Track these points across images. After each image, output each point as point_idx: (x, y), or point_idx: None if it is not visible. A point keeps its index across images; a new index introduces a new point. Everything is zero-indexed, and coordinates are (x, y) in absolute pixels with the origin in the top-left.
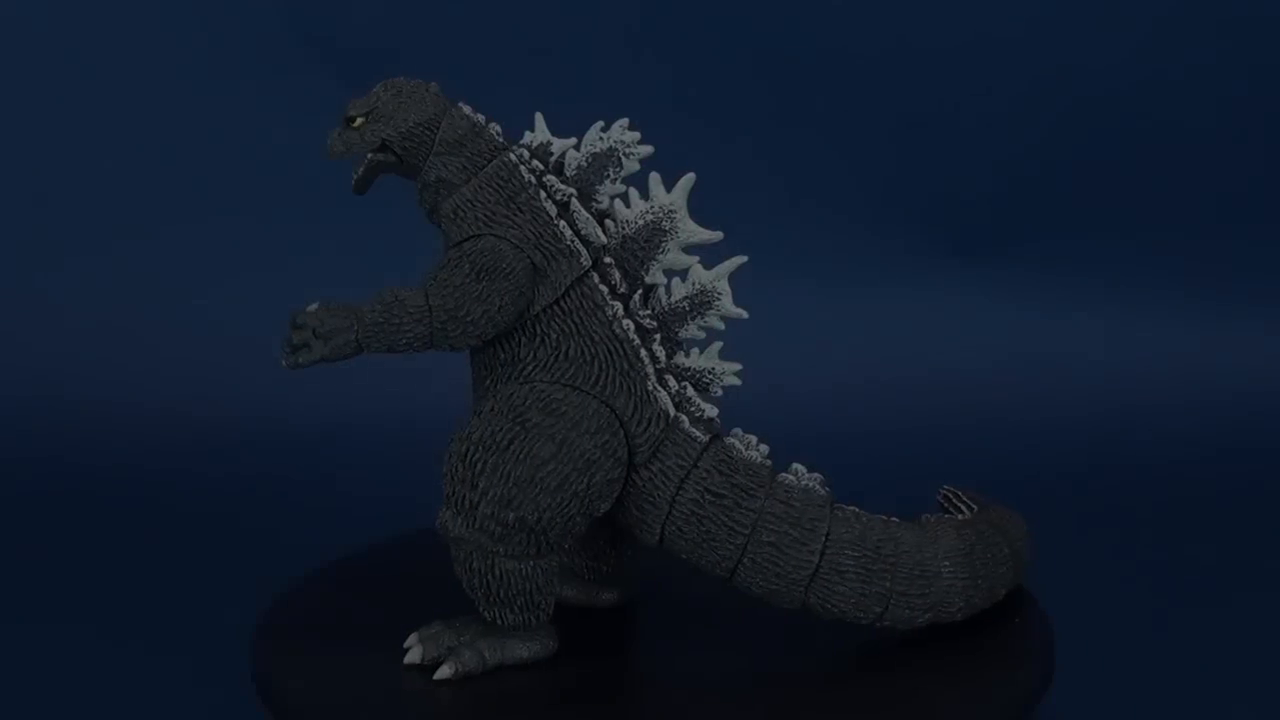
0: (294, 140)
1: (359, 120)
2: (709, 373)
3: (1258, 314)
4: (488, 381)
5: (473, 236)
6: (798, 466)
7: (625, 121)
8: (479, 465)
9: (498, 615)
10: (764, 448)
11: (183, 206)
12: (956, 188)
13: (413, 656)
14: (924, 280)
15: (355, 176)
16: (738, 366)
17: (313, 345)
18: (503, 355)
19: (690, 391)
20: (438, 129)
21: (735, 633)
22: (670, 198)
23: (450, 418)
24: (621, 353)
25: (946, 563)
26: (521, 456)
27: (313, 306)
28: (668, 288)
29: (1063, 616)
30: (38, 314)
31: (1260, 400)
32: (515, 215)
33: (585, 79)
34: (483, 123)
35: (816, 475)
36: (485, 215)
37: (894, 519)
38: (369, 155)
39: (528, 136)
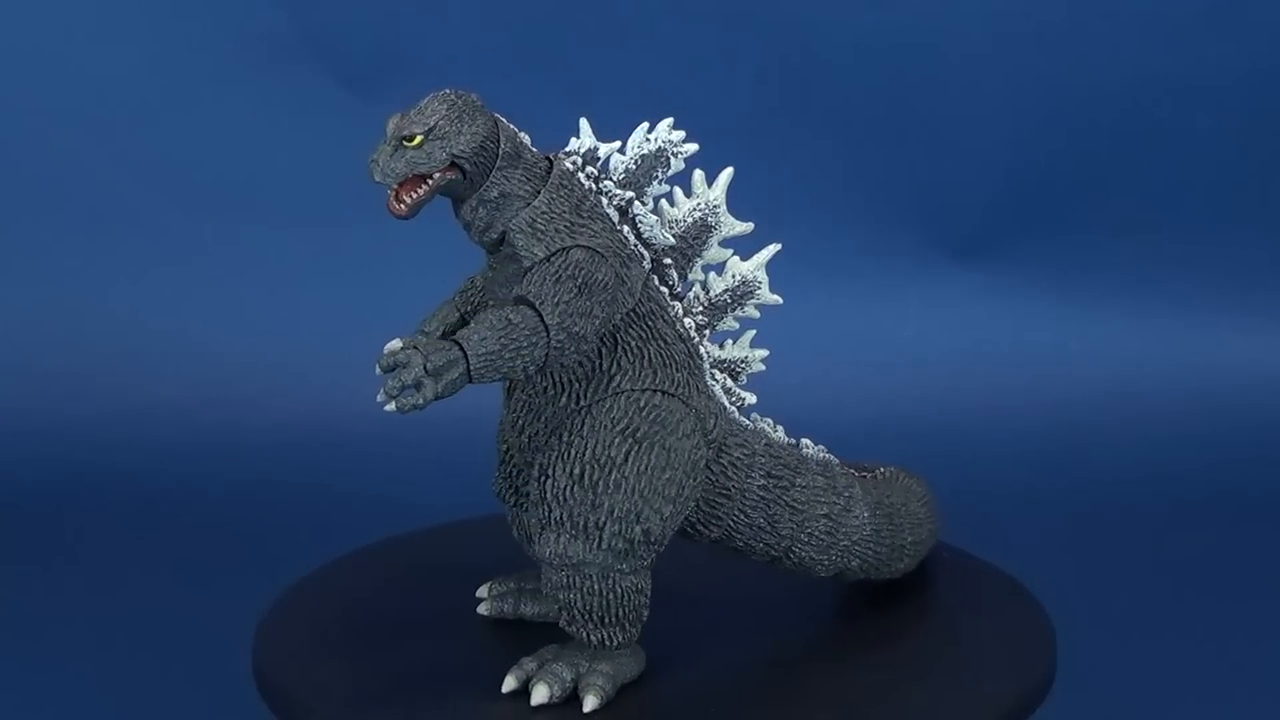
0: (295, 144)
1: (419, 138)
2: (742, 362)
3: (1260, 314)
4: (563, 400)
5: (561, 250)
6: (805, 440)
7: (670, 121)
8: (600, 484)
9: (607, 636)
10: (781, 427)
11: (183, 209)
12: (956, 188)
13: (540, 696)
14: (924, 280)
15: (408, 201)
16: (765, 353)
17: (425, 384)
18: (580, 370)
19: (729, 382)
20: (499, 141)
21: (723, 632)
22: (714, 193)
23: (451, 419)
24: (688, 352)
25: (922, 509)
26: (642, 469)
27: (395, 344)
28: (704, 283)
29: (1063, 616)
30: (38, 316)
31: (1261, 400)
32: (591, 223)
33: (585, 79)
34: (516, 131)
35: (821, 446)
36: (566, 226)
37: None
38: (436, 175)
39: (574, 143)
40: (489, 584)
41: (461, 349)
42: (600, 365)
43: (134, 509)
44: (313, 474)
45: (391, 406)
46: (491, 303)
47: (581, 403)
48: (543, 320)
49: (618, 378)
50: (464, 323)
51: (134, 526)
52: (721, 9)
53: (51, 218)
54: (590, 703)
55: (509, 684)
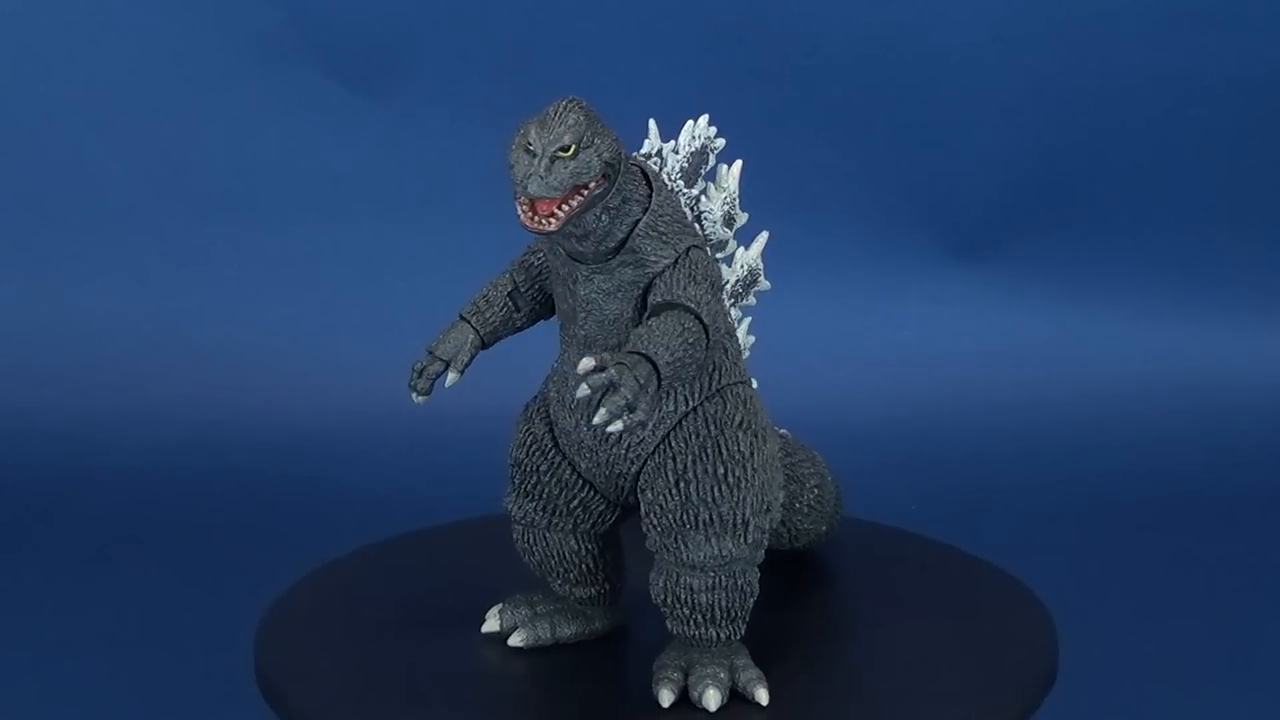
0: (295, 144)
1: (573, 148)
2: (743, 349)
3: (1260, 313)
4: (669, 405)
5: (684, 251)
6: None
7: (707, 118)
8: (740, 481)
9: (735, 630)
10: None
11: (182, 208)
12: (956, 188)
13: (716, 702)
14: (924, 279)
15: (560, 215)
16: (752, 339)
17: (641, 401)
18: None
19: None
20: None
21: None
22: (732, 185)
23: (451, 418)
24: (739, 342)
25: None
26: (763, 461)
27: (589, 362)
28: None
29: (1063, 616)
30: (38, 315)
31: (1262, 399)
32: (689, 222)
33: (586, 77)
34: None
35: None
36: (679, 227)
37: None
38: (591, 185)
39: (647, 144)
40: (499, 615)
41: (650, 361)
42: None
43: (134, 509)
44: (313, 474)
45: (618, 426)
46: (587, 314)
47: (691, 403)
48: (701, 322)
49: (715, 375)
50: (484, 345)
51: (134, 526)
52: (722, 7)
53: (51, 217)
54: (764, 696)
55: (667, 698)
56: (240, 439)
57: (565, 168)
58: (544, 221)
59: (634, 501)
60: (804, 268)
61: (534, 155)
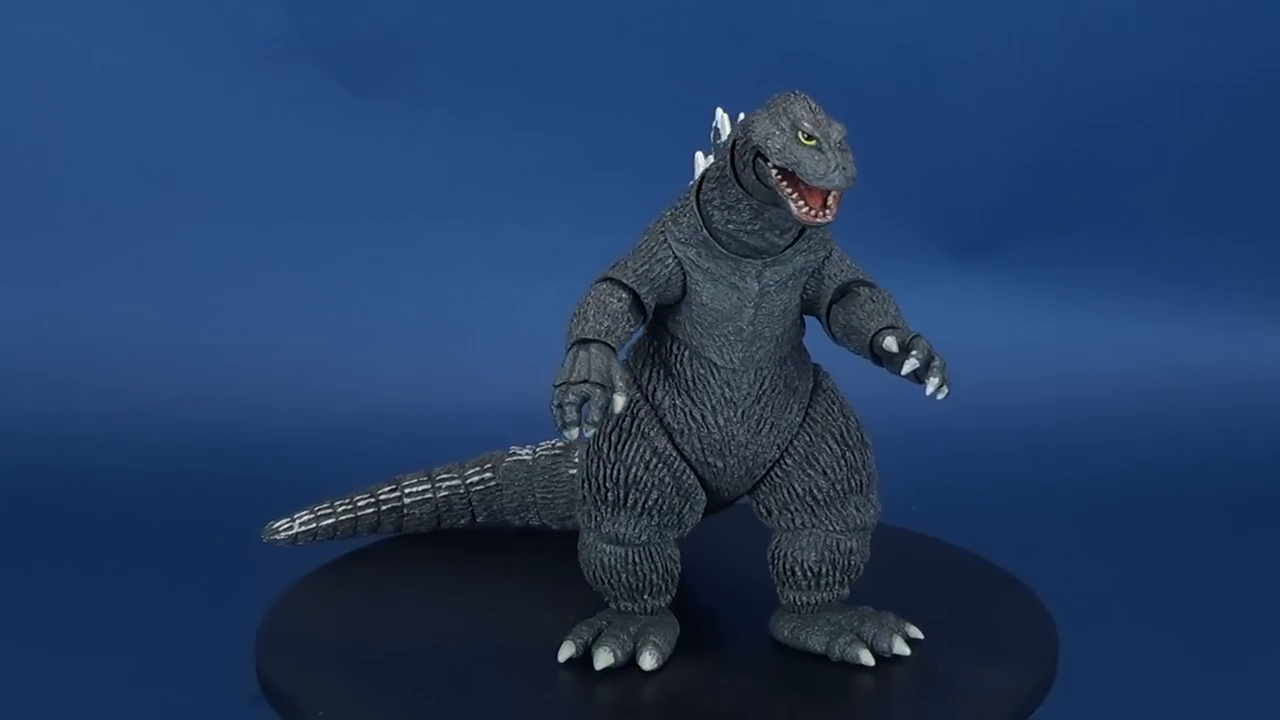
0: (295, 144)
1: (843, 138)
2: None
3: (1258, 312)
4: (807, 385)
5: (829, 237)
6: None
7: (721, 109)
8: (871, 442)
9: (849, 589)
10: None
11: (181, 208)
12: (958, 187)
13: (905, 647)
14: (926, 279)
15: (830, 208)
16: None
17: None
18: (801, 354)
19: None
20: None
21: (720, 632)
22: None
23: (449, 418)
24: None
25: None
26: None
27: (894, 342)
28: None
29: (1063, 615)
30: (37, 316)
31: (1262, 399)
32: None
33: (586, 78)
34: None
35: None
36: None
37: None
38: None
39: (725, 134)
40: (607, 647)
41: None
42: (801, 343)
43: (134, 509)
44: (312, 474)
45: (945, 392)
46: (757, 308)
47: (812, 381)
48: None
49: (807, 351)
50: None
51: (134, 526)
52: (722, 8)
53: (50, 217)
54: (917, 630)
55: (869, 657)
56: (241, 439)
57: (849, 157)
58: (823, 213)
59: (744, 492)
60: None
61: (821, 150)
